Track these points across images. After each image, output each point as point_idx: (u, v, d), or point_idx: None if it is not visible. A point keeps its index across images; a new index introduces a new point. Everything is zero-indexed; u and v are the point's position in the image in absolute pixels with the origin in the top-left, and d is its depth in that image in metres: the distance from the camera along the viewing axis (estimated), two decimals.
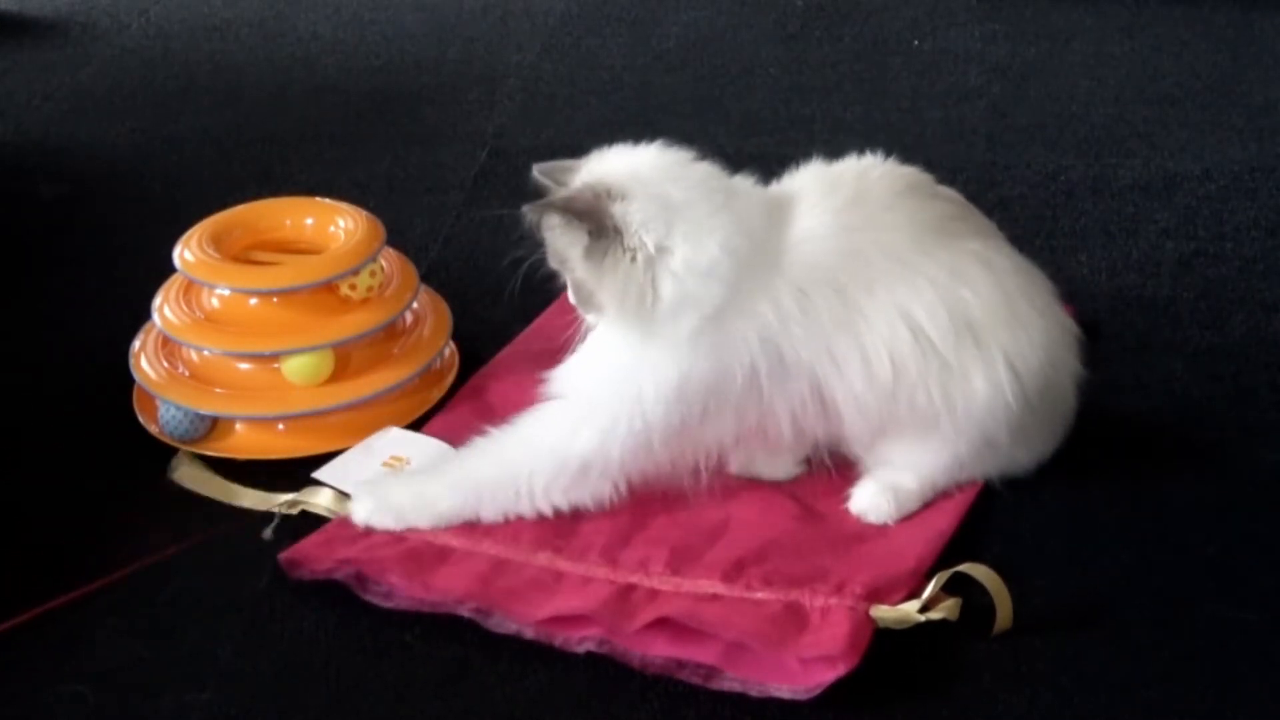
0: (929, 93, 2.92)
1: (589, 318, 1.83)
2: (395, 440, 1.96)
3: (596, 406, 1.78)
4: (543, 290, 2.26)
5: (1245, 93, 2.87)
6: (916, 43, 3.11)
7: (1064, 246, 2.38)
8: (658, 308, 1.73)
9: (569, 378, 1.84)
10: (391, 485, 1.84)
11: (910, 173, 1.86)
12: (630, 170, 1.77)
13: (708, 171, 1.80)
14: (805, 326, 1.75)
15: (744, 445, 1.85)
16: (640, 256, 1.73)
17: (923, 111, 2.84)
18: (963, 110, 2.83)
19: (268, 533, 1.83)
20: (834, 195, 1.81)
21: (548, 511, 1.81)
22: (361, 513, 1.81)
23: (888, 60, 3.03)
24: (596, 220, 1.74)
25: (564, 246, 1.77)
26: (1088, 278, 2.30)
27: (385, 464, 1.91)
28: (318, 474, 1.90)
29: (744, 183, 1.83)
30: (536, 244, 1.80)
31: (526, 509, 1.81)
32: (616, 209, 1.74)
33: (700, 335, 1.74)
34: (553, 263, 1.81)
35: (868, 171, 1.84)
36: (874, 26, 3.18)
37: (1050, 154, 2.65)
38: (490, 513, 1.81)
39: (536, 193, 1.81)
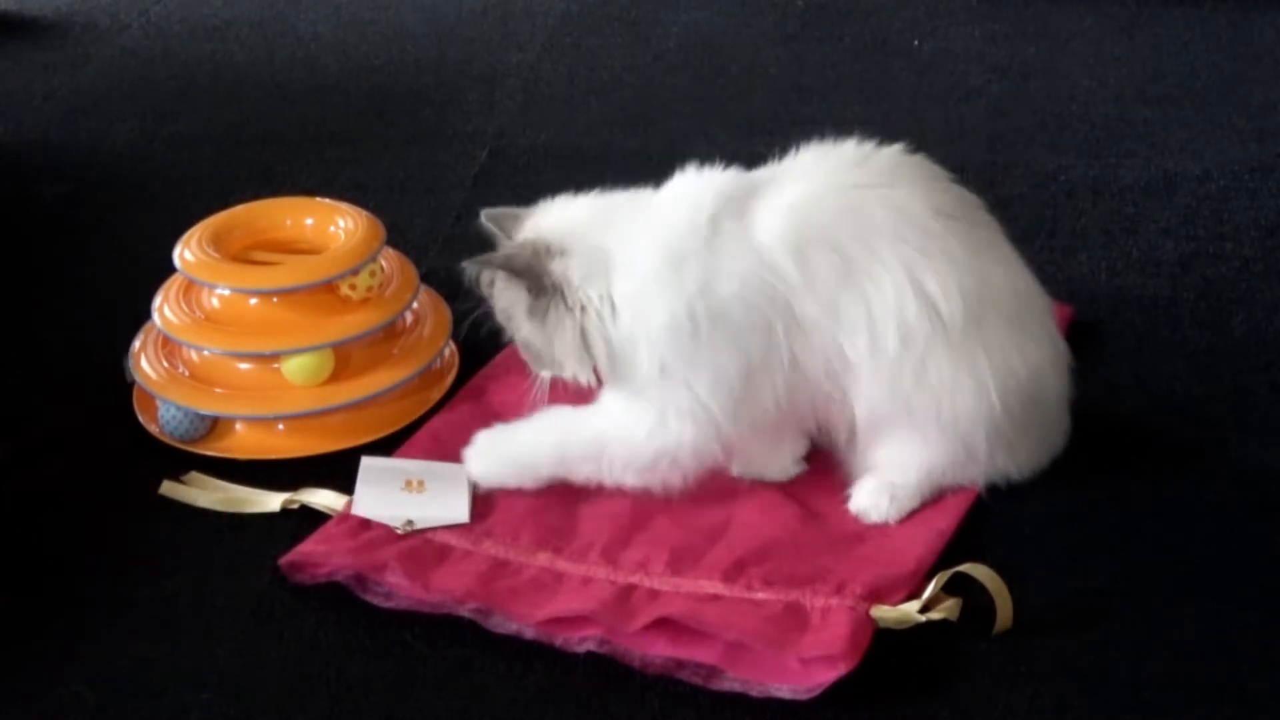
0: (929, 93, 2.91)
1: (541, 374, 1.82)
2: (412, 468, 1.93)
3: (654, 408, 1.77)
4: None
5: (1245, 93, 2.87)
6: (916, 43, 3.10)
7: (1064, 246, 2.38)
8: (635, 364, 1.73)
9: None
10: (500, 446, 1.85)
11: (922, 159, 1.82)
12: (568, 223, 1.77)
13: (649, 204, 1.78)
14: (807, 284, 1.72)
15: (780, 430, 1.83)
16: (588, 313, 1.73)
17: (923, 111, 2.84)
18: (963, 110, 2.83)
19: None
20: (829, 162, 1.79)
21: (630, 484, 1.80)
22: (476, 470, 1.84)
23: (888, 60, 3.03)
24: (535, 278, 1.73)
25: (508, 304, 1.78)
26: (1088, 278, 2.30)
27: (404, 488, 1.88)
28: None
29: (704, 178, 1.79)
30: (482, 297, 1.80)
31: (610, 483, 1.81)
32: (556, 266, 1.74)
33: (704, 324, 1.71)
34: (500, 319, 1.81)
35: (874, 151, 1.80)
36: (874, 26, 3.18)
37: (1050, 154, 2.64)
38: (579, 479, 1.82)
39: (484, 241, 1.80)
